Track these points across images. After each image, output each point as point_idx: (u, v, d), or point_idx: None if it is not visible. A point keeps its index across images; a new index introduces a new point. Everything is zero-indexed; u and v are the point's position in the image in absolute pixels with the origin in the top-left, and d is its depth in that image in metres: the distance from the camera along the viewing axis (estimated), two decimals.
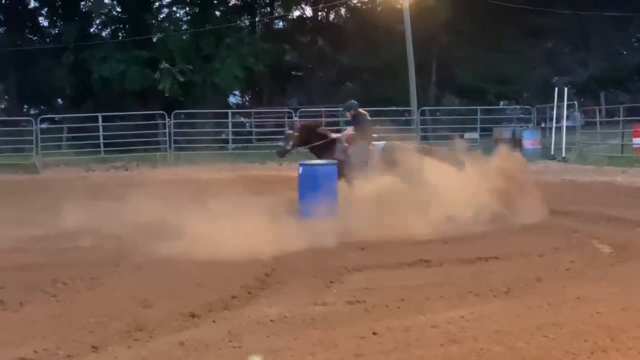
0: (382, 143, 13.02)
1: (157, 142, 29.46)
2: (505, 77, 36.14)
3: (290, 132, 13.51)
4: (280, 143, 13.86)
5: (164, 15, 36.97)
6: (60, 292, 7.44)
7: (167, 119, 28.46)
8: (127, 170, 25.29)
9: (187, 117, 30.28)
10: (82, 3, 36.08)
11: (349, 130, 13.24)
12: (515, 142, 24.79)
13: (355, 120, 13.17)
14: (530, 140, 26.66)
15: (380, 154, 12.68)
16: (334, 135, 13.35)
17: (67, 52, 32.95)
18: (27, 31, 36.47)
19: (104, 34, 36.65)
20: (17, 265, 8.77)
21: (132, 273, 8.34)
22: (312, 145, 13.21)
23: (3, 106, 35.87)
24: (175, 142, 28.56)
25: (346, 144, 13.09)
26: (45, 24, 37.13)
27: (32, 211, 13.14)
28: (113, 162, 26.77)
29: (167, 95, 32.18)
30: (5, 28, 36.31)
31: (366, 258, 9.03)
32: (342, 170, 12.51)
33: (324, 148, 13.12)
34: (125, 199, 12.81)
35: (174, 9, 37.36)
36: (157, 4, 36.95)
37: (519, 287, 7.36)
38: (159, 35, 34.88)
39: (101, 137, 28.56)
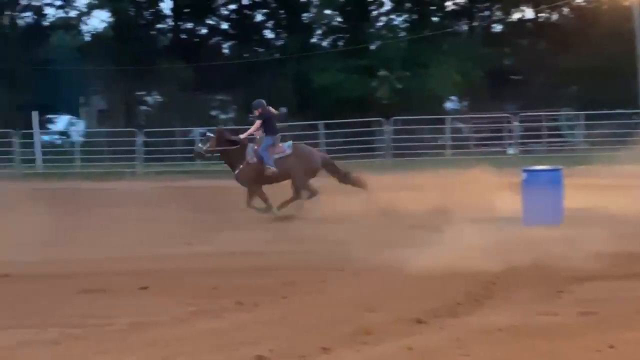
0: (289, 142, 13.97)
1: (374, 149, 29.80)
2: None
3: (211, 135, 13.90)
4: (200, 144, 14.23)
5: (382, 23, 37.45)
6: (290, 294, 7.75)
7: (384, 126, 28.76)
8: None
9: (404, 123, 30.39)
10: (305, 15, 37.39)
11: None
12: None
13: (263, 118, 13.68)
14: None
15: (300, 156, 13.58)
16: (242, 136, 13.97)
17: (290, 62, 34.25)
18: (253, 44, 38.28)
19: (323, 44, 37.70)
20: (252, 267, 9.28)
21: (355, 278, 8.53)
22: (224, 151, 13.78)
23: (232, 115, 37.80)
24: (393, 148, 28.77)
25: (256, 147, 13.65)
26: (271, 36, 38.81)
27: (261, 216, 13.77)
28: None
29: (384, 102, 32.51)
30: (235, 41, 38.35)
31: (598, 267, 8.55)
32: (256, 172, 13.28)
33: (237, 155, 13.61)
34: (347, 205, 13.09)
35: (392, 16, 37.69)
36: (375, 12, 37.50)
37: None
38: (377, 43, 35.36)
39: (323, 145, 29.35)
